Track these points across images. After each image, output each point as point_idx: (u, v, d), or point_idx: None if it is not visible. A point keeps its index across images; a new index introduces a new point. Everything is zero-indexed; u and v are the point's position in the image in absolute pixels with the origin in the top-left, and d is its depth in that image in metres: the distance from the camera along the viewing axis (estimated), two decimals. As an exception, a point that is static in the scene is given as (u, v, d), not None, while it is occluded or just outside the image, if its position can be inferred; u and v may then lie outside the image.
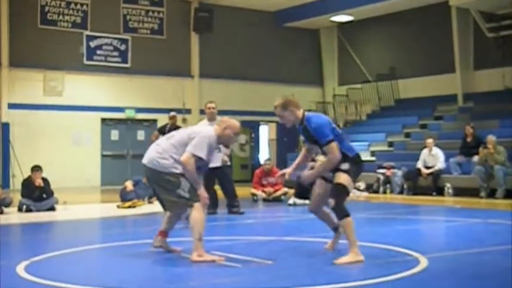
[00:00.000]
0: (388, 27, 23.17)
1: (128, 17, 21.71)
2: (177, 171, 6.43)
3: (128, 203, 12.56)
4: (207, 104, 11.21)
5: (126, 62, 21.48)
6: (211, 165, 10.85)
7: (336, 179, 6.33)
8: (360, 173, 6.64)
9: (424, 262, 6.02)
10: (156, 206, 12.84)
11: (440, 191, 15.45)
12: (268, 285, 5.28)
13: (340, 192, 6.28)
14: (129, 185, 12.97)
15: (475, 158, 15.15)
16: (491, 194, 14.56)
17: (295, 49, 24.58)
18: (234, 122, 6.82)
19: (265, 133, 25.13)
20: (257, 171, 14.64)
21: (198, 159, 6.40)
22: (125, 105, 21.48)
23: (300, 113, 6.80)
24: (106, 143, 21.34)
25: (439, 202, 14.26)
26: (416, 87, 21.79)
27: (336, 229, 6.85)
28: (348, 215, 6.20)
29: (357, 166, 6.44)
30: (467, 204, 13.30)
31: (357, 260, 6.08)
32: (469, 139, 16.08)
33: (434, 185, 15.72)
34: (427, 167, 15.99)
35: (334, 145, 6.28)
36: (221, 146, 10.90)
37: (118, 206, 12.59)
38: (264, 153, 22.27)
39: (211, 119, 11.05)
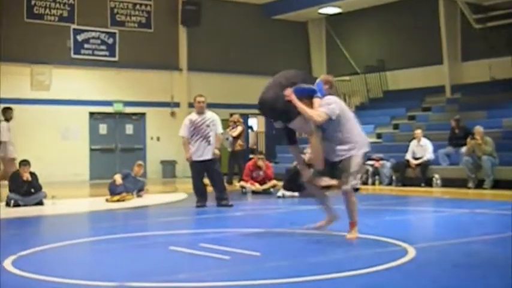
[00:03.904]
0: (376, 19, 23.18)
1: (115, 11, 21.61)
2: None
3: (117, 197, 12.53)
4: (196, 98, 11.21)
5: (113, 56, 21.40)
6: (201, 158, 10.92)
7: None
8: None
9: (412, 252, 6.05)
10: (145, 200, 12.87)
11: (428, 182, 15.51)
12: (256, 276, 5.29)
13: None
14: (118, 178, 12.93)
15: (463, 149, 15.21)
16: (479, 184, 14.63)
17: (283, 42, 24.55)
18: None
19: (255, 126, 25.13)
20: (249, 163, 14.63)
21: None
22: (113, 99, 21.41)
23: None
24: (94, 137, 21.27)
25: (428, 193, 14.32)
26: (404, 78, 21.84)
27: None
28: None
29: None
30: (456, 195, 13.37)
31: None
32: (456, 130, 16.15)
33: (422, 176, 15.78)
34: (416, 158, 16.05)
35: None
36: (211, 139, 10.95)
37: (107, 200, 12.56)
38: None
39: (201, 112, 11.09)
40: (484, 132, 14.90)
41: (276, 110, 7.07)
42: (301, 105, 6.82)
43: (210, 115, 11.15)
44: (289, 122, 7.06)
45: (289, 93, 6.87)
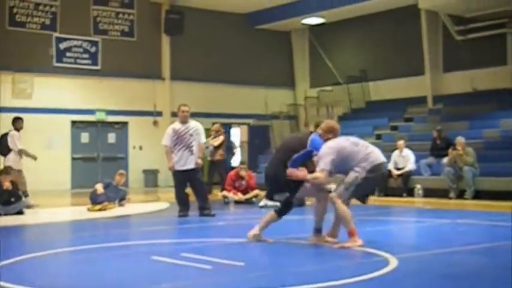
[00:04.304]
0: (359, 30, 23.31)
1: (98, 19, 21.56)
2: None
3: (99, 206, 12.45)
4: (180, 107, 11.17)
5: (96, 64, 21.33)
6: (184, 167, 10.89)
7: None
8: None
9: (393, 262, 6.06)
10: (126, 209, 12.80)
11: (410, 192, 15.57)
12: (239, 286, 5.27)
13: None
14: (99, 187, 12.85)
15: (445, 160, 15.30)
16: (460, 194, 14.72)
17: (267, 51, 24.62)
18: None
19: (237, 135, 25.14)
20: (231, 173, 14.61)
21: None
22: (95, 107, 21.32)
23: None
24: (76, 145, 21.16)
25: (409, 203, 14.37)
26: (386, 89, 21.95)
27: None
28: None
29: None
30: (437, 205, 13.43)
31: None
32: (438, 141, 16.25)
33: (404, 186, 15.83)
34: (398, 169, 16.12)
35: None
36: (194, 148, 10.91)
37: (88, 209, 12.48)
38: (236, 156, 22.25)
39: (184, 121, 11.06)
40: (465, 143, 14.99)
41: (279, 184, 7.39)
42: (303, 177, 7.12)
43: (194, 124, 11.12)
44: (293, 191, 7.34)
45: (290, 172, 7.14)
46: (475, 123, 17.61)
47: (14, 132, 13.64)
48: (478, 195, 14.51)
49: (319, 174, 7.06)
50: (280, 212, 7.44)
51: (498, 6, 17.82)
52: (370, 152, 7.24)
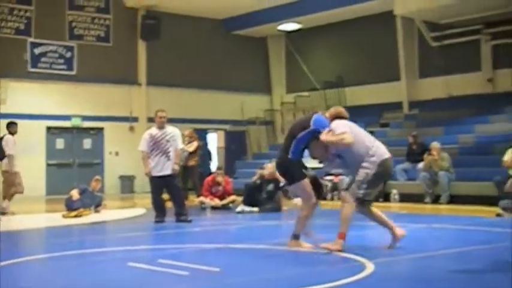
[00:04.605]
0: (335, 35, 23.42)
1: (74, 24, 21.42)
2: None
3: (74, 213, 12.34)
4: (157, 112, 11.12)
5: (71, 70, 21.19)
6: (161, 173, 10.84)
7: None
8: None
9: (370, 267, 6.08)
10: (102, 215, 12.71)
11: (386, 197, 15.64)
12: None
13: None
14: (75, 193, 12.74)
15: (420, 165, 15.40)
16: (436, 199, 14.82)
17: (243, 57, 24.63)
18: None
19: (214, 141, 25.11)
20: (208, 179, 14.57)
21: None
22: (70, 113, 21.16)
23: None
24: (51, 151, 20.98)
25: (386, 208, 14.41)
26: (363, 94, 22.05)
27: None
28: None
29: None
30: (413, 210, 13.51)
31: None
32: (414, 146, 16.35)
33: (380, 191, 15.89)
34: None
35: None
36: (171, 154, 10.87)
37: (63, 216, 12.36)
38: (213, 161, 22.24)
39: (161, 127, 11.02)
40: (440, 148, 15.12)
41: (281, 172, 7.71)
42: (328, 139, 7.05)
43: (171, 130, 11.08)
44: (292, 182, 7.46)
45: (324, 138, 7.07)
46: (451, 129, 17.76)
47: (8, 137, 13.75)
48: (453, 200, 14.63)
49: (344, 135, 6.98)
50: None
51: (472, 12, 18.01)
52: (378, 144, 7.25)
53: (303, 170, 7.32)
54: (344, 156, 7.25)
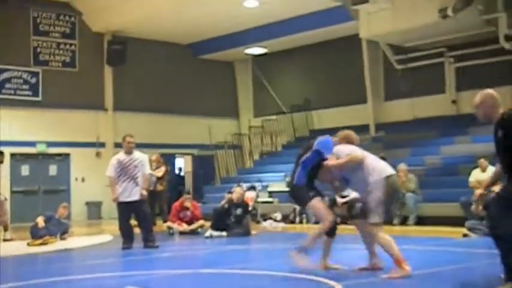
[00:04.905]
0: (301, 59, 23.60)
1: (39, 50, 21.27)
2: None
3: (39, 240, 12.13)
4: (126, 138, 11.03)
5: (37, 96, 20.99)
6: (128, 198, 10.74)
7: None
8: None
9: (339, 290, 6.07)
10: (69, 243, 12.51)
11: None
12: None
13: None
14: (40, 221, 12.54)
15: (388, 186, 15.45)
16: (403, 221, 14.89)
17: (211, 81, 24.66)
18: None
19: (182, 165, 25.00)
20: (176, 204, 14.47)
21: None
22: (36, 139, 20.92)
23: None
24: (16, 178, 20.68)
25: (354, 231, 14.42)
26: (329, 117, 22.18)
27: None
28: None
29: None
30: (381, 232, 13.51)
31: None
32: (381, 168, 16.43)
33: (349, 214, 15.90)
34: (343, 196, 16.19)
35: None
36: (138, 179, 10.77)
37: (28, 244, 12.14)
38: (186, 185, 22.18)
39: (129, 152, 10.93)
40: (407, 170, 15.22)
41: (292, 198, 8.15)
42: (335, 163, 7.34)
43: (138, 155, 11.00)
44: (303, 204, 8.16)
45: (328, 164, 7.37)
46: (417, 150, 17.92)
47: None
48: (421, 221, 14.71)
49: (351, 154, 7.19)
50: (330, 233, 8.01)
51: (435, 36, 18.29)
52: (383, 164, 7.38)
53: (310, 193, 7.60)
54: (349, 179, 7.50)
